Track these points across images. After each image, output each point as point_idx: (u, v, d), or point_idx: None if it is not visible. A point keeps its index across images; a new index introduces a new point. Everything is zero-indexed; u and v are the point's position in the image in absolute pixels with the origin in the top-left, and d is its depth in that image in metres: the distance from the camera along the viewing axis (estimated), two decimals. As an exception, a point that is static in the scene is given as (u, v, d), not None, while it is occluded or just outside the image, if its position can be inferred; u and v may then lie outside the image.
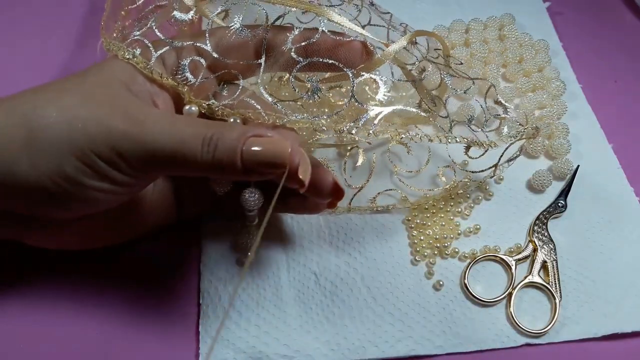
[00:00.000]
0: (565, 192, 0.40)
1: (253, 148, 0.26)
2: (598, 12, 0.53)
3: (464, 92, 0.37)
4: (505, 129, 0.36)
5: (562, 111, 0.44)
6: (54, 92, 0.27)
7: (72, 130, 0.25)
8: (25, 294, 0.34)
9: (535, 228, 0.38)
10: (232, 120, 0.29)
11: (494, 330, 0.34)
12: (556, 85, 0.45)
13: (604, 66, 0.49)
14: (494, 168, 0.37)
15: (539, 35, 0.49)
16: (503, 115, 0.36)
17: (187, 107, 0.29)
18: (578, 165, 0.41)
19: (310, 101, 0.30)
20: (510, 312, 0.35)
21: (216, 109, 0.29)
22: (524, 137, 0.36)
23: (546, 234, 0.38)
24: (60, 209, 0.28)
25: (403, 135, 0.31)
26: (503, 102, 0.37)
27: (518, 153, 0.38)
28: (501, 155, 0.36)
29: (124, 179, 0.27)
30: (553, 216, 0.39)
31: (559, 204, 0.39)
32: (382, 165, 0.40)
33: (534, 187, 0.40)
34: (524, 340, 0.34)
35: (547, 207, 0.39)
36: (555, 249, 0.37)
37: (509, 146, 0.36)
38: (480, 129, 0.35)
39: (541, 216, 0.39)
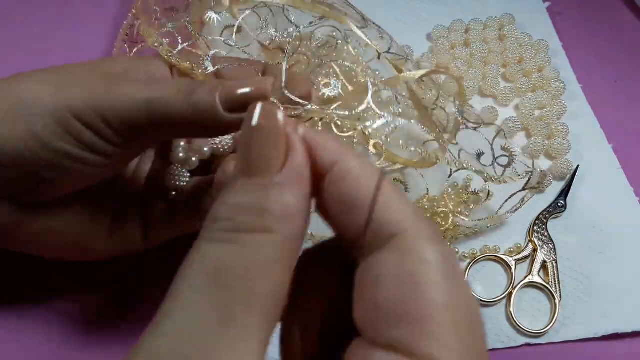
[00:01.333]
0: (565, 192, 0.40)
1: (231, 88, 0.25)
2: (598, 12, 0.53)
3: (474, 129, 0.35)
4: (508, 173, 0.34)
5: (562, 111, 0.44)
6: (48, 69, 0.28)
7: (54, 92, 0.25)
8: (20, 300, 0.34)
9: (535, 228, 0.38)
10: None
11: (494, 330, 0.34)
12: (556, 85, 0.45)
13: (604, 66, 0.49)
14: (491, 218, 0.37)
15: (538, 35, 0.49)
16: (509, 161, 0.35)
17: None
18: (578, 165, 0.41)
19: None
20: (510, 312, 0.35)
21: None
22: (531, 181, 0.35)
23: (546, 234, 0.38)
24: (42, 184, 0.27)
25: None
26: (512, 148, 0.35)
27: (519, 205, 0.36)
28: (500, 208, 0.36)
29: (105, 147, 0.26)
30: (553, 216, 0.39)
31: (559, 204, 0.39)
32: None
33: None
34: (524, 340, 0.34)
35: (547, 207, 0.39)
36: (555, 249, 0.37)
37: (511, 196, 0.35)
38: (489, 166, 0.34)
39: (541, 216, 0.39)
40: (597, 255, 0.38)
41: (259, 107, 0.18)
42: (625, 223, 0.39)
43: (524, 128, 0.44)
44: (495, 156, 0.34)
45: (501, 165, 0.34)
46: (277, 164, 0.18)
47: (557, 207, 0.39)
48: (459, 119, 0.34)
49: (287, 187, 0.17)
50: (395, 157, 0.39)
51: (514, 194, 0.34)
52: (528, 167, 0.35)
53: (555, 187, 0.40)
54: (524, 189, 0.35)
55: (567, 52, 0.49)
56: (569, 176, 0.41)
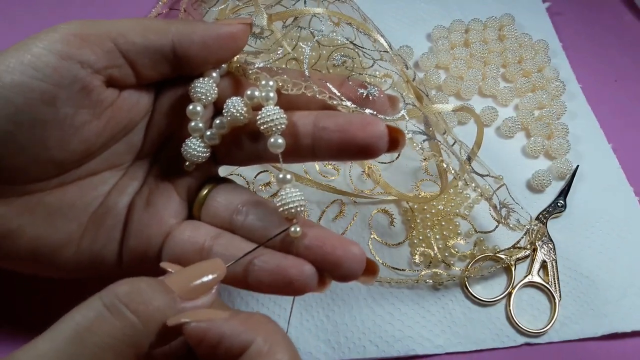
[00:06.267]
0: (564, 192, 0.40)
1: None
2: (597, 12, 0.53)
3: (482, 177, 0.34)
4: (512, 221, 0.34)
5: (562, 111, 0.44)
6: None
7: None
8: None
9: (535, 228, 0.38)
10: (263, 82, 0.27)
11: (493, 329, 0.34)
12: (555, 85, 0.45)
13: (603, 66, 0.49)
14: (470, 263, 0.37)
15: (538, 36, 0.49)
16: (505, 216, 0.34)
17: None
18: (577, 165, 0.41)
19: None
20: (510, 312, 0.35)
21: (250, 71, 0.28)
22: (532, 234, 0.36)
23: (546, 233, 0.38)
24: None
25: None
26: (510, 204, 0.35)
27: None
28: (499, 251, 0.37)
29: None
30: (552, 216, 0.39)
31: (559, 204, 0.39)
32: (361, 228, 0.38)
33: (534, 187, 0.40)
34: (523, 340, 0.34)
35: (546, 207, 0.39)
36: (554, 248, 0.37)
37: (515, 246, 0.36)
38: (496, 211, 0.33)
39: (541, 216, 0.39)
40: (596, 254, 0.38)
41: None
42: (624, 222, 0.39)
43: (524, 128, 0.44)
44: (499, 207, 0.33)
45: (497, 220, 0.33)
46: (198, 295, 0.22)
47: (556, 207, 0.39)
48: (465, 162, 0.33)
49: (187, 312, 0.22)
50: (389, 187, 0.39)
51: (515, 246, 0.36)
52: (528, 222, 0.35)
53: (555, 187, 0.41)
54: (514, 247, 0.36)
55: (567, 52, 0.49)
56: (568, 176, 0.41)
